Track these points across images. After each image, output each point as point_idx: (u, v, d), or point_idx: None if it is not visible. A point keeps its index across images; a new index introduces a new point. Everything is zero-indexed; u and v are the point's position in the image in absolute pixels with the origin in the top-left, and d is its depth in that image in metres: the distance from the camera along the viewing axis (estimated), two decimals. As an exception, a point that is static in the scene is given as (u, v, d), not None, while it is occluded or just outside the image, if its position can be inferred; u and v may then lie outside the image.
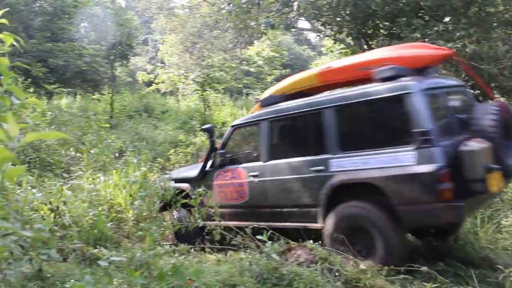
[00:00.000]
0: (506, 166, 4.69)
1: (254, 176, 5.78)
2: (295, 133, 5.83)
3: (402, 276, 4.37)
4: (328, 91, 5.99)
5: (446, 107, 5.07)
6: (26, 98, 2.25)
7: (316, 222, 5.19)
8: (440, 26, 8.13)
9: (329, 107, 5.22)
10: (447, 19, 8.51)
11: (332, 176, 5.01)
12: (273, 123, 5.87)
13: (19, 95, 2.10)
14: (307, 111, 5.49)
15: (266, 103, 6.32)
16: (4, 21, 2.10)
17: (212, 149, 6.41)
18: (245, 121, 6.37)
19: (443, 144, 4.46)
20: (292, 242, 4.83)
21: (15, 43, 2.20)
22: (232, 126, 6.49)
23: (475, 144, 4.41)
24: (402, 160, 4.56)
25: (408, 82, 4.79)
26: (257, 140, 6.02)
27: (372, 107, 5.07)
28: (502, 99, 8.28)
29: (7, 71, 2.10)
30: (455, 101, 5.26)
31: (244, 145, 6.35)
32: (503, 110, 4.86)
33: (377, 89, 4.96)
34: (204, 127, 6.95)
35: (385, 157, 4.69)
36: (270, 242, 4.49)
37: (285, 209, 5.46)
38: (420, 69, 5.20)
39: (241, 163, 6.08)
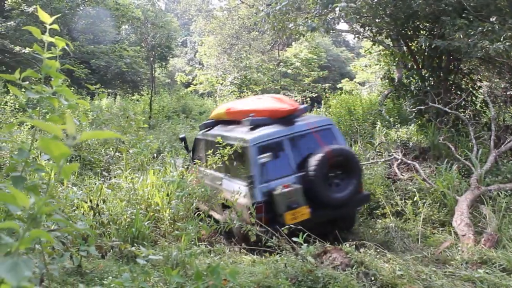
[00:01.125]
0: (328, 200, 6.06)
1: (201, 176, 7.27)
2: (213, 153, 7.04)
3: (440, 281, 4.27)
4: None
5: (281, 152, 6.35)
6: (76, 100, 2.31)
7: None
8: (486, 26, 7.90)
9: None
10: (492, 19, 8.26)
11: (222, 191, 6.71)
12: (206, 142, 7.66)
13: (68, 96, 2.16)
14: (215, 141, 6.93)
15: (203, 127, 8.35)
16: (55, 26, 2.16)
17: (187, 151, 8.87)
18: (200, 137, 8.25)
19: (263, 186, 6.00)
20: (328, 245, 4.79)
21: (65, 47, 2.26)
22: (196, 138, 8.67)
23: (281, 189, 5.79)
24: (243, 191, 6.11)
25: (248, 137, 6.36)
26: (202, 151, 7.80)
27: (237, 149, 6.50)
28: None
29: (57, 73, 2.16)
30: (303, 144, 6.45)
31: (200, 152, 7.99)
32: (327, 156, 6.05)
33: (238, 137, 6.58)
34: (180, 136, 9.41)
35: (239, 186, 6.26)
36: (305, 244, 4.47)
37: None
38: (284, 116, 6.73)
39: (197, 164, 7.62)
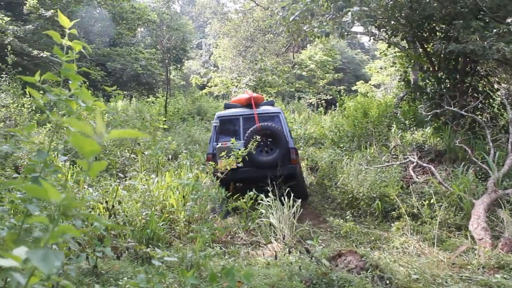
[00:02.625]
0: (255, 160, 8.19)
1: None
2: None
3: (456, 285, 4.23)
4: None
5: (237, 124, 8.88)
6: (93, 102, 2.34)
7: None
8: (502, 28, 7.81)
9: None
10: (508, 20, 8.17)
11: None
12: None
13: (86, 99, 2.19)
14: None
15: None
16: (74, 31, 2.19)
17: None
18: None
19: (216, 143, 8.42)
20: (343, 248, 4.78)
21: (82, 50, 2.29)
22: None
23: (219, 144, 8.05)
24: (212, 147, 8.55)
25: (217, 113, 9.38)
26: None
27: None
28: None
29: (76, 75, 2.19)
30: (251, 122, 8.71)
31: None
32: (257, 128, 8.35)
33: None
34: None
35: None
36: (320, 247, 4.46)
37: None
38: (248, 104, 9.23)
39: None
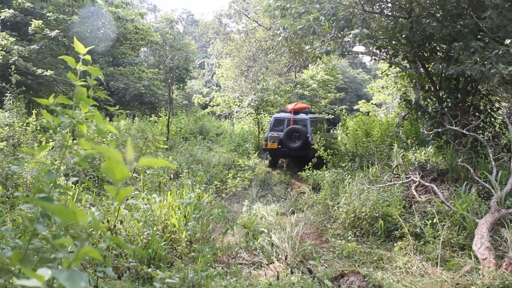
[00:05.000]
0: (287, 146, 13.93)
1: None
2: None
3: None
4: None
5: (283, 123, 14.80)
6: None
7: None
8: (501, 49, 7.85)
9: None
10: (507, 41, 8.21)
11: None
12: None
13: (99, 122, 2.23)
14: None
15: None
16: (88, 57, 2.24)
17: None
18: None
19: (270, 132, 14.74)
20: (345, 268, 4.75)
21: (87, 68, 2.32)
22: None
23: (271, 134, 14.48)
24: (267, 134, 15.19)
25: (274, 115, 16.17)
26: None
27: None
28: None
29: (87, 99, 2.23)
30: (289, 123, 14.65)
31: None
32: (290, 129, 14.08)
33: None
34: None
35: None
36: (322, 267, 4.43)
37: None
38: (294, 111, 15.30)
39: None
